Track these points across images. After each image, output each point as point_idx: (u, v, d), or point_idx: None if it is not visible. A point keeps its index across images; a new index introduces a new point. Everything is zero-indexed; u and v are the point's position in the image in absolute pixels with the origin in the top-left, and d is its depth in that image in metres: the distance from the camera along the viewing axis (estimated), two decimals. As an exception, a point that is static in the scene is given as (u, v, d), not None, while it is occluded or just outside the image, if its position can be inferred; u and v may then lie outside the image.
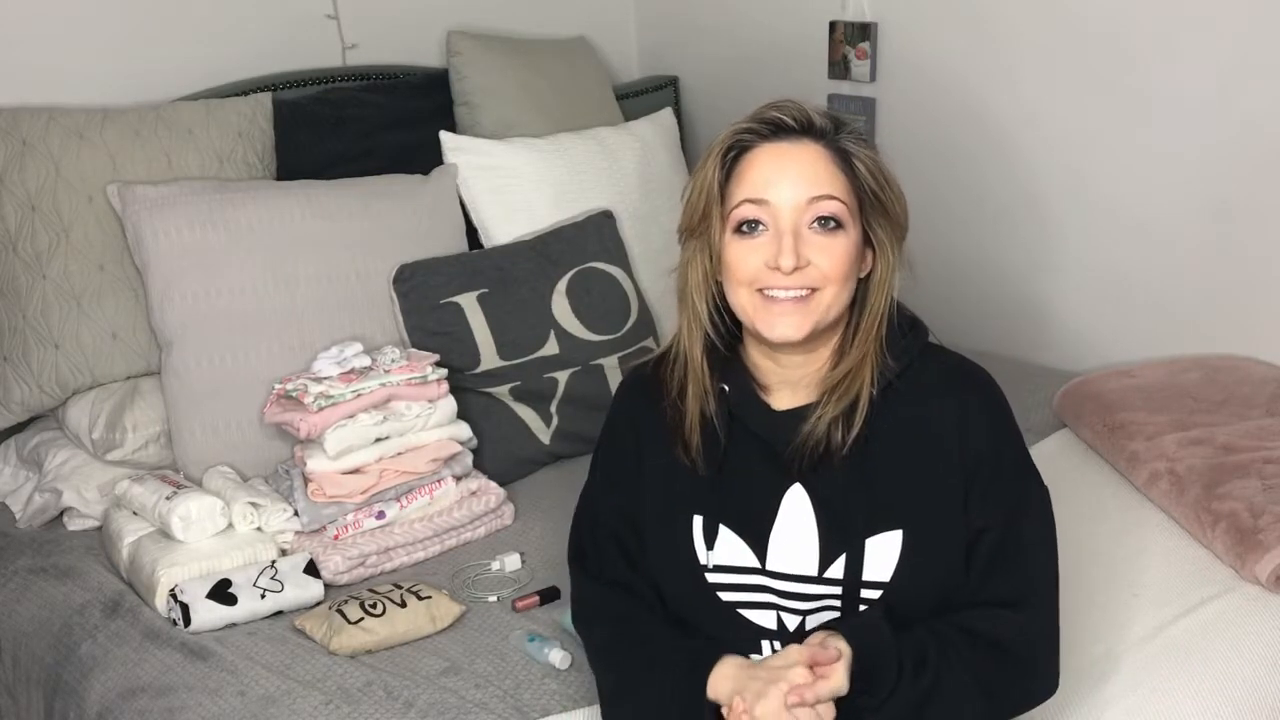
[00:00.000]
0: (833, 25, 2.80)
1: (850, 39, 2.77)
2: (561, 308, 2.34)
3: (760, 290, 1.35)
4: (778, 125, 1.37)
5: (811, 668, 1.29)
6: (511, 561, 1.96)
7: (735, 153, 1.38)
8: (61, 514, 2.14)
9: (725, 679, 1.34)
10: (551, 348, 2.31)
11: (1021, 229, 2.63)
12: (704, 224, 1.39)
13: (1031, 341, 2.65)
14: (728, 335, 1.45)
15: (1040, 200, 2.58)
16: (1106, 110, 2.42)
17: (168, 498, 1.93)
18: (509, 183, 2.49)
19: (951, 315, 2.41)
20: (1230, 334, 2.33)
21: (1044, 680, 1.39)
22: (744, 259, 1.36)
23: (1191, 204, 2.34)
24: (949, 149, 2.68)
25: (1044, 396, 2.32)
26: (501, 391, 2.27)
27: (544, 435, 2.29)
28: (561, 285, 2.35)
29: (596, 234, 2.47)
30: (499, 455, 2.22)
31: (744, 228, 1.36)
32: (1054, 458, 2.06)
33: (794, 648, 1.33)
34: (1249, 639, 1.64)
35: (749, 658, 1.38)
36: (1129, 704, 1.53)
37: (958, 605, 1.38)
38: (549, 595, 1.85)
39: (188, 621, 1.80)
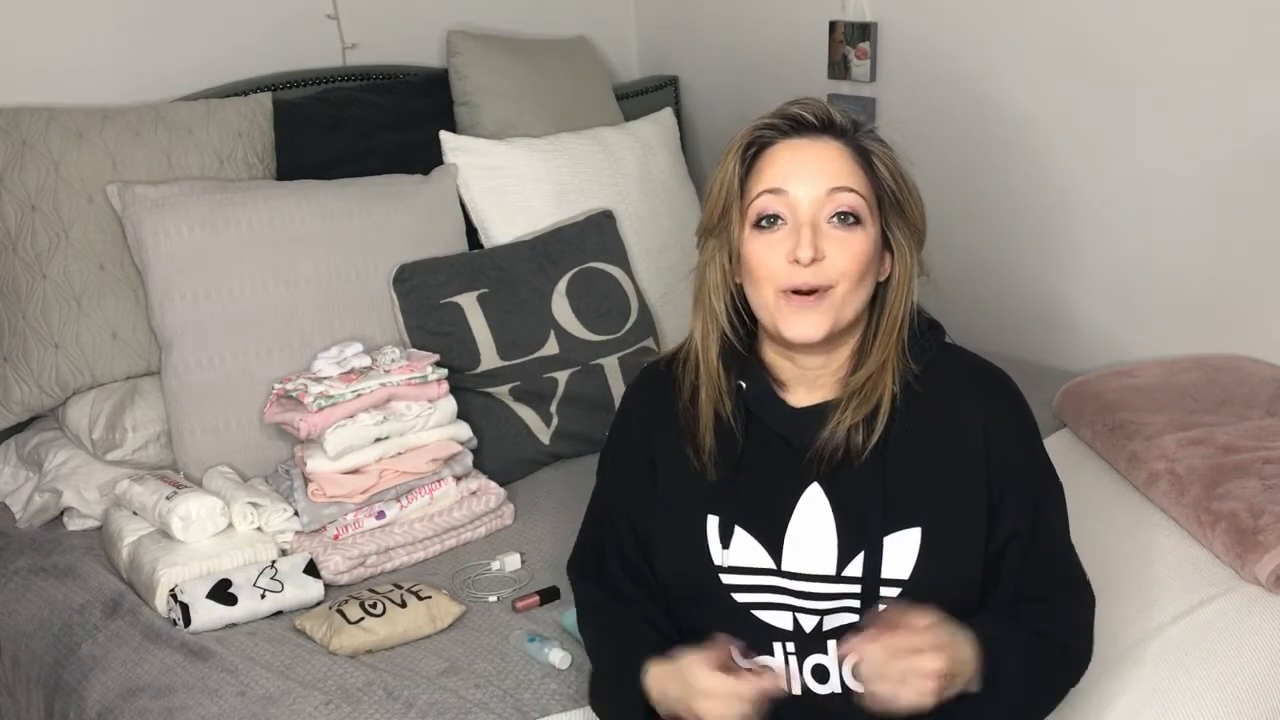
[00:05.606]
0: (833, 25, 2.80)
1: (850, 39, 2.77)
2: (561, 308, 2.34)
3: (783, 292, 1.34)
4: (798, 121, 1.37)
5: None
6: (511, 561, 1.96)
7: (755, 149, 1.37)
8: (61, 514, 2.14)
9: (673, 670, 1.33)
10: (551, 348, 2.31)
11: (1021, 229, 2.63)
12: (724, 221, 1.38)
13: (1031, 341, 2.65)
14: (745, 335, 1.44)
15: (1040, 200, 2.58)
16: (1106, 110, 2.42)
17: (168, 498, 1.93)
18: (509, 183, 2.49)
19: (952, 315, 2.38)
20: (1230, 334, 2.33)
21: (1088, 658, 1.43)
22: (764, 255, 1.34)
23: (1192, 203, 2.33)
24: (949, 149, 2.68)
25: (1044, 396, 2.32)
26: (501, 391, 2.27)
27: (544, 435, 2.28)
28: (561, 285, 2.35)
29: (596, 234, 2.46)
30: (499, 455, 2.22)
31: (763, 222, 1.35)
32: (1054, 458, 2.01)
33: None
34: (1249, 639, 1.63)
35: (754, 657, 1.38)
36: (1129, 704, 1.53)
37: (999, 605, 1.39)
38: (549, 595, 1.85)
39: (188, 621, 1.80)
